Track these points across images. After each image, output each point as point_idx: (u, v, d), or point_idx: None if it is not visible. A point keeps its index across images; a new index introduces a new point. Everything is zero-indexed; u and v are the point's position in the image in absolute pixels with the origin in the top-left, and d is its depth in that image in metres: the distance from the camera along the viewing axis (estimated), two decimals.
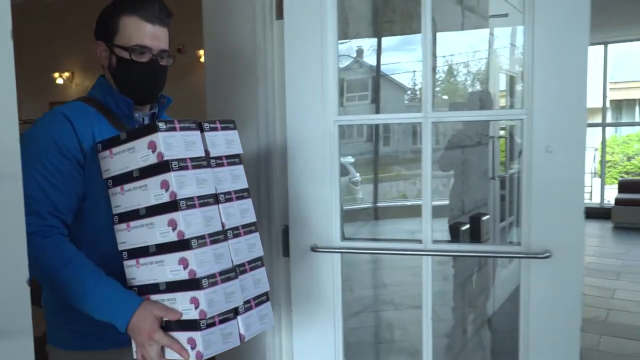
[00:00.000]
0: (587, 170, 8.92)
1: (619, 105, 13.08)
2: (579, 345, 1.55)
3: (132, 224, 1.22)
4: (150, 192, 1.18)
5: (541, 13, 1.50)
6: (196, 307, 1.15)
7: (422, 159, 1.65)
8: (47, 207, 1.21)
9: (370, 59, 3.17)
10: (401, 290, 2.94)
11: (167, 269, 1.18)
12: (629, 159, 11.04)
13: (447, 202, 3.16)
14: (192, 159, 1.19)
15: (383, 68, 3.15)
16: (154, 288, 1.21)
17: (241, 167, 1.32)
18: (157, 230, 1.18)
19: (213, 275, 1.18)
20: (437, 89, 3.99)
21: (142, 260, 1.22)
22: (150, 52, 1.31)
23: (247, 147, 1.59)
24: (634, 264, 5.76)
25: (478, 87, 4.15)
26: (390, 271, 3.02)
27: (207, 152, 1.23)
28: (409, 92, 3.83)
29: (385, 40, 3.04)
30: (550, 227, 1.53)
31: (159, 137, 1.14)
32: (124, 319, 1.18)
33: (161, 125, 1.15)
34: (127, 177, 1.22)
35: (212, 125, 1.26)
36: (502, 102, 4.07)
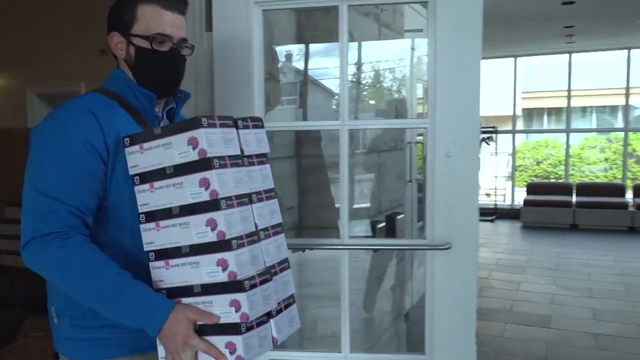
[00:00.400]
0: (499, 174, 9.57)
1: (531, 114, 14.06)
2: (475, 325, 1.78)
3: (163, 223, 1.14)
4: (186, 190, 1.11)
5: (442, 33, 1.70)
6: (237, 310, 1.09)
7: (340, 163, 1.82)
8: (68, 206, 1.13)
9: (299, 64, 3.27)
10: (325, 288, 3.11)
11: (203, 270, 1.11)
12: (538, 163, 11.90)
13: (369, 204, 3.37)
14: (230, 157, 1.14)
15: (312, 73, 3.24)
16: (187, 291, 1.13)
17: (268, 166, 1.27)
18: (192, 230, 1.11)
19: (253, 277, 1.12)
20: (364, 93, 4.20)
21: (172, 261, 1.15)
22: (170, 40, 1.25)
23: None
24: (538, 259, 6.31)
25: (403, 94, 4.41)
26: (317, 271, 3.18)
27: (241, 150, 1.18)
28: (336, 97, 3.98)
29: (315, 45, 3.14)
30: (450, 222, 1.75)
31: (202, 133, 1.08)
32: (156, 324, 1.09)
33: (203, 120, 1.10)
34: (158, 174, 1.14)
35: (245, 123, 1.21)
36: (420, 109, 4.35)
